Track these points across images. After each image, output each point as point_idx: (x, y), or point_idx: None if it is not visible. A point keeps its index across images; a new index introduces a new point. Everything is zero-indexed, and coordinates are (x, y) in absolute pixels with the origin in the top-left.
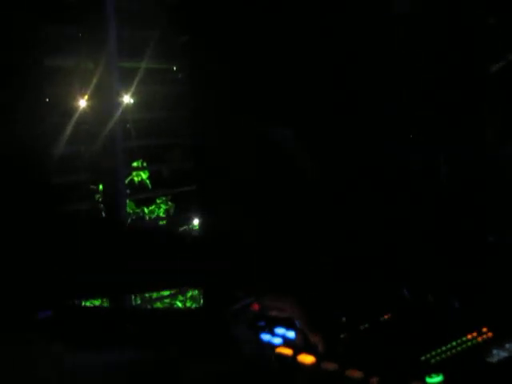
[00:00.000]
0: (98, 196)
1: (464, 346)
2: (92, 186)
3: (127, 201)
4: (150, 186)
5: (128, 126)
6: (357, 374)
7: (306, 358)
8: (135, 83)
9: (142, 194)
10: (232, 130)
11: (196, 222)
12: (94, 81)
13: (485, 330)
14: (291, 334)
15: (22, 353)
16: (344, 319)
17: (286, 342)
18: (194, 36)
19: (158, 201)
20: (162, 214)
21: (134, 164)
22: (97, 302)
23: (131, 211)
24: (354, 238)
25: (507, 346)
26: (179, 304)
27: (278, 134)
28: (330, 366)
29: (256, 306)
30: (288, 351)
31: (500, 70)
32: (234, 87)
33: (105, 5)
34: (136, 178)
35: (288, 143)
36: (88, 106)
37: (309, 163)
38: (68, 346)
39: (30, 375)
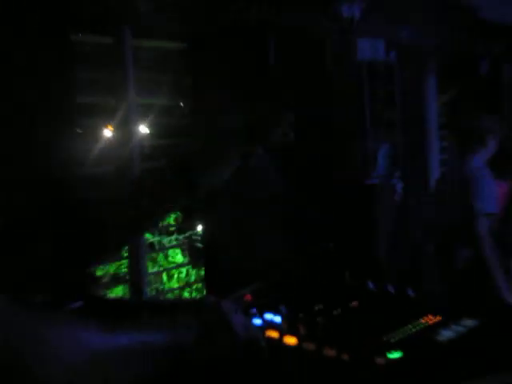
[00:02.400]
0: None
1: (418, 327)
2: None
3: None
4: None
5: (144, 150)
6: (331, 352)
7: (290, 340)
8: (150, 116)
9: None
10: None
11: (199, 228)
12: (116, 115)
13: (434, 315)
14: (278, 319)
15: (54, 335)
16: (321, 306)
17: (274, 326)
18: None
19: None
20: (172, 222)
21: None
22: (120, 294)
23: None
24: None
25: (453, 327)
26: (187, 294)
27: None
28: (310, 346)
29: (248, 297)
30: (275, 334)
31: None
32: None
33: (124, 55)
34: None
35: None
36: (112, 134)
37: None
38: (95, 329)
39: (60, 356)
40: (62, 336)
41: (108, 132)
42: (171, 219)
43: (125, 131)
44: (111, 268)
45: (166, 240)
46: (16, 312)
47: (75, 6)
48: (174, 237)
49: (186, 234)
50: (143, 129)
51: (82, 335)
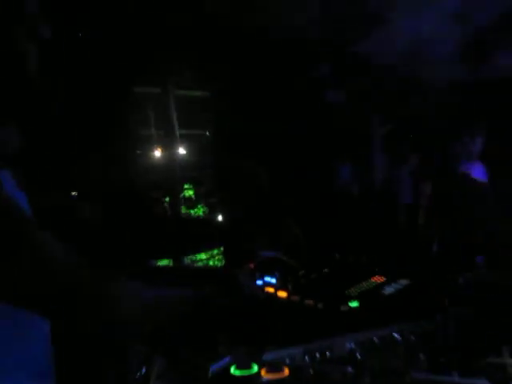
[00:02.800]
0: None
1: (369, 285)
2: (163, 199)
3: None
4: (194, 197)
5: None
6: (310, 302)
7: (282, 293)
8: (186, 142)
9: (189, 203)
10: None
11: (220, 218)
12: (164, 141)
13: (380, 276)
14: (273, 280)
15: (122, 289)
16: (303, 272)
17: (270, 285)
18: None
19: (198, 206)
20: (201, 214)
21: (186, 186)
22: (165, 262)
23: (184, 211)
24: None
25: (393, 285)
26: (211, 263)
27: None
28: (295, 298)
29: (252, 265)
30: (271, 290)
31: None
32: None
33: (169, 100)
34: (186, 193)
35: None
36: (162, 154)
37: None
38: (144, 285)
39: (114, 306)
40: (125, 289)
41: (158, 152)
42: (200, 211)
43: (170, 152)
44: None
45: None
46: (110, 276)
47: (141, 69)
48: None
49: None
50: (181, 150)
51: (137, 285)
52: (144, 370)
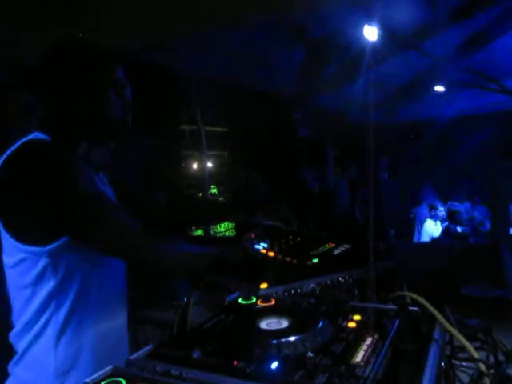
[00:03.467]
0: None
1: (325, 248)
2: (198, 194)
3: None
4: (217, 193)
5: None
6: (288, 259)
7: (271, 253)
8: (212, 158)
9: (214, 197)
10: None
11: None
12: (198, 159)
13: (332, 243)
14: (265, 245)
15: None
16: (283, 240)
17: (264, 248)
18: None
19: (220, 199)
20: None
21: (212, 186)
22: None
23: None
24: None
25: (340, 248)
26: (228, 233)
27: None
28: (279, 256)
29: (253, 235)
30: (264, 251)
31: None
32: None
33: (201, 133)
34: (212, 191)
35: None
36: (196, 167)
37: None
38: (185, 244)
39: (163, 255)
40: (171, 246)
41: (195, 165)
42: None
43: (202, 165)
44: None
45: None
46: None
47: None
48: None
49: None
50: (209, 164)
51: (178, 245)
52: (186, 298)
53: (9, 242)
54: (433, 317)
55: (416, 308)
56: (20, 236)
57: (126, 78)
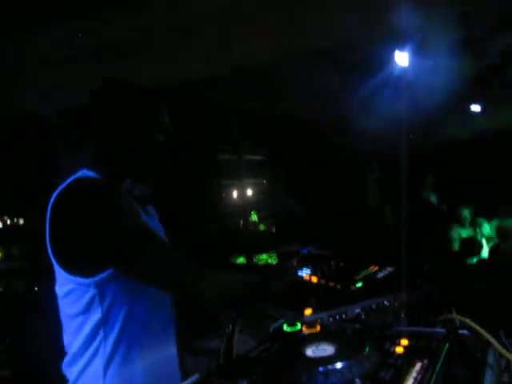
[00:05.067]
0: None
1: (369, 271)
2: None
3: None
4: (257, 220)
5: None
6: (332, 284)
7: (314, 279)
8: (252, 186)
9: (254, 223)
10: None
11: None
12: (238, 187)
13: (375, 266)
14: (308, 271)
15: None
16: (326, 266)
17: (307, 274)
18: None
19: (260, 225)
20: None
21: (252, 212)
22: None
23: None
24: None
25: (383, 271)
26: (270, 261)
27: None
28: (322, 281)
29: (296, 262)
30: (307, 277)
31: None
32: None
33: (241, 162)
34: (252, 217)
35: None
36: (237, 196)
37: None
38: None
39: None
40: (214, 276)
41: (235, 193)
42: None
43: (241, 193)
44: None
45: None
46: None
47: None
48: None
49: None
50: (249, 192)
51: (221, 275)
52: (231, 327)
53: (60, 273)
54: (486, 341)
55: (466, 331)
56: (69, 267)
57: (169, 114)
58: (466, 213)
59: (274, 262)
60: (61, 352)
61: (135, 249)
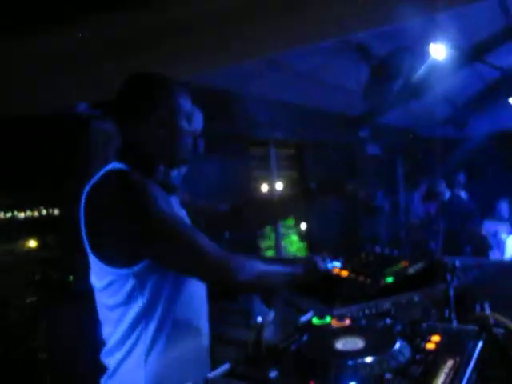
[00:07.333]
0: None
1: (399, 267)
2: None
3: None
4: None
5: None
6: (362, 278)
7: (344, 273)
8: (282, 179)
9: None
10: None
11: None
12: (268, 179)
13: (406, 261)
14: (338, 264)
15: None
16: (356, 260)
17: (337, 267)
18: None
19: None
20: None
21: None
22: (270, 253)
23: None
24: None
25: (414, 266)
26: (299, 253)
27: None
28: (352, 275)
29: (325, 254)
30: (337, 270)
31: None
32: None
33: (270, 155)
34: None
35: None
36: (268, 188)
37: None
38: (261, 263)
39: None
40: (248, 264)
41: (265, 187)
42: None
43: (271, 186)
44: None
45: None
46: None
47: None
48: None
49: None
50: (279, 185)
51: (255, 263)
52: (260, 318)
53: (97, 265)
54: None
55: (501, 329)
56: (107, 259)
57: (196, 105)
58: (503, 207)
59: (304, 255)
60: (94, 340)
61: (168, 237)
